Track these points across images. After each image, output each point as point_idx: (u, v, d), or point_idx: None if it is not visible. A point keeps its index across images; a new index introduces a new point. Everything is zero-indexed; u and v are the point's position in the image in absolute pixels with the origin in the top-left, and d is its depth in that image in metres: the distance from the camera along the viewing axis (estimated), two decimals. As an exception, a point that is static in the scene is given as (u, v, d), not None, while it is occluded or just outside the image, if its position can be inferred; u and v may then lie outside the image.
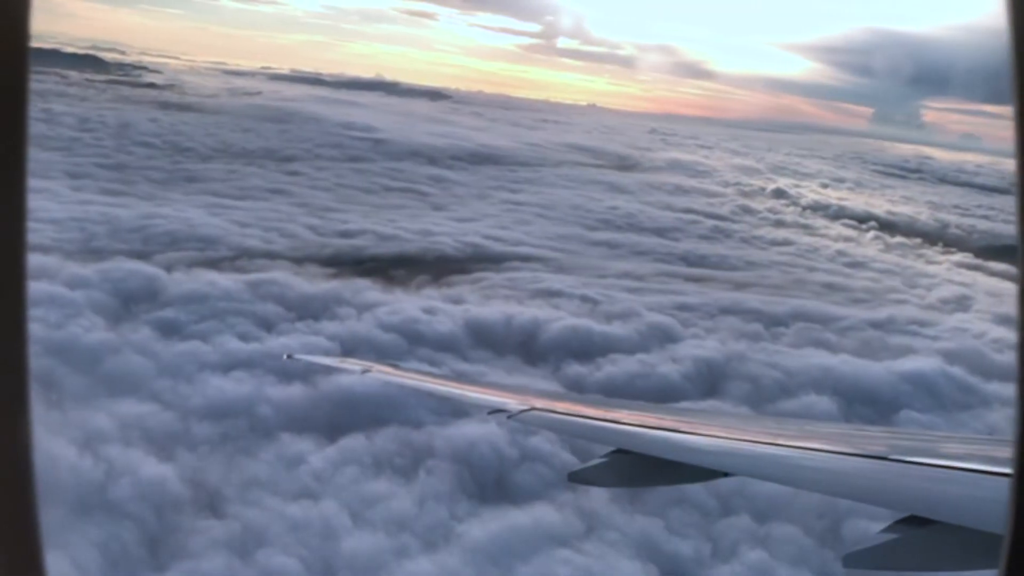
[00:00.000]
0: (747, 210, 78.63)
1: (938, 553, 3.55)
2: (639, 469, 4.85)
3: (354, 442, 22.83)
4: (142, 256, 41.04)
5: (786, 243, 66.00)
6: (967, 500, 3.71)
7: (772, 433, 5.24)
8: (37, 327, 27.80)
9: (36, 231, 42.86)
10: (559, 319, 35.16)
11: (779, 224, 74.47)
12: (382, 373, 8.45)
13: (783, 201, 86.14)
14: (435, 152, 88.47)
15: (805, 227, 74.66)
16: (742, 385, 30.61)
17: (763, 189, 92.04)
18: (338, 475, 21.10)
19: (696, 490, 21.67)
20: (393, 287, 39.69)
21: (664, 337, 34.98)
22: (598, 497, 21.10)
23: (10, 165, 1.83)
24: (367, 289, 37.50)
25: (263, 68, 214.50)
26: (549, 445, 23.43)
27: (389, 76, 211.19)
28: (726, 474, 4.72)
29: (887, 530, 3.63)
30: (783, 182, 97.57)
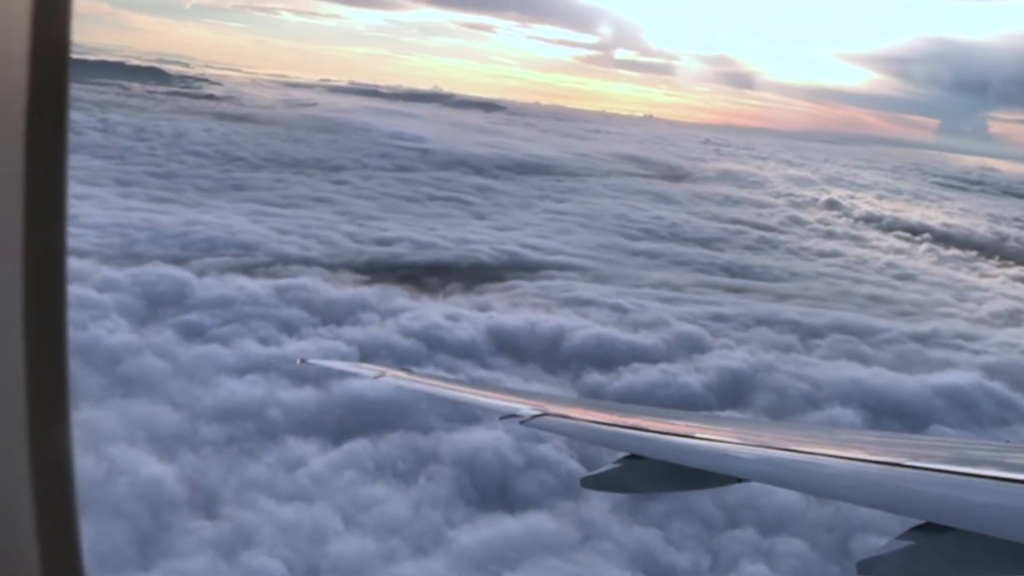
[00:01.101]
0: (797, 221, 77.31)
1: (956, 561, 3.47)
2: (652, 475, 4.80)
3: (358, 446, 22.72)
4: (179, 261, 41.56)
5: (834, 255, 64.72)
6: (986, 507, 3.63)
7: (787, 439, 5.12)
8: (62, 328, 28.26)
9: (78, 236, 43.78)
10: (584, 327, 34.76)
11: (829, 235, 73.10)
12: (395, 378, 8.36)
13: (835, 212, 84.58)
14: (482, 162, 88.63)
15: (856, 239, 73.17)
16: (767, 396, 29.96)
17: (815, 200, 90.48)
18: (337, 479, 20.99)
19: (703, 501, 21.18)
20: (422, 294, 39.69)
21: (692, 347, 34.38)
22: (599, 506, 20.72)
23: (51, 173, 1.87)
24: (394, 295, 37.51)
25: (322, 80, 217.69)
26: (556, 452, 23.09)
27: (447, 88, 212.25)
28: (740, 480, 4.61)
29: (903, 537, 3.54)
30: (837, 193, 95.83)
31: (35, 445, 1.86)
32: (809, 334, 39.16)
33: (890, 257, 65.84)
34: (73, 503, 1.96)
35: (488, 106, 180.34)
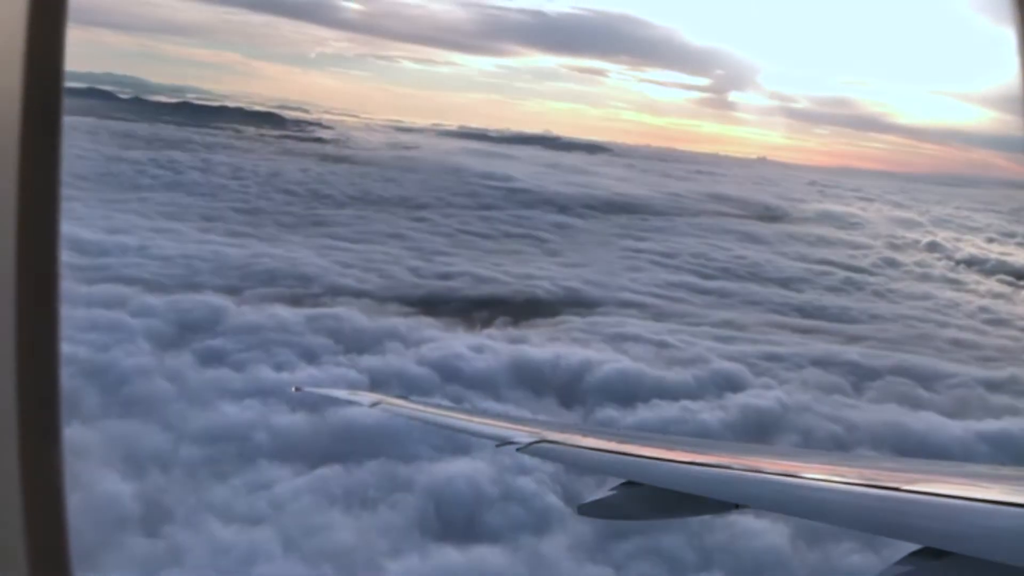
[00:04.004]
0: (891, 263, 73.89)
1: None
2: (649, 501, 4.84)
3: (330, 472, 22.33)
4: (232, 291, 42.30)
5: (924, 297, 61.39)
6: (984, 532, 3.62)
7: (785, 464, 5.12)
8: (83, 349, 28.97)
9: (139, 265, 45.28)
10: (612, 362, 33.67)
11: (923, 278, 69.52)
12: (392, 406, 8.35)
13: (936, 255, 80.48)
14: (568, 201, 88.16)
15: (952, 282, 69.32)
16: (789, 436, 28.30)
17: (917, 242, 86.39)
18: (295, 503, 20.59)
19: (677, 541, 19.95)
20: (461, 326, 39.30)
21: (725, 385, 32.89)
22: (560, 542, 19.74)
23: (45, 185, 1.92)
24: (428, 327, 37.25)
25: (433, 125, 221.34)
26: (535, 485, 22.20)
27: (557, 131, 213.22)
28: (737, 506, 4.66)
29: (901, 563, 3.58)
30: (942, 235, 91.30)
31: (25, 452, 1.93)
32: (866, 376, 37.01)
33: (986, 301, 61.99)
34: (62, 510, 2.06)
35: (593, 148, 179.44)
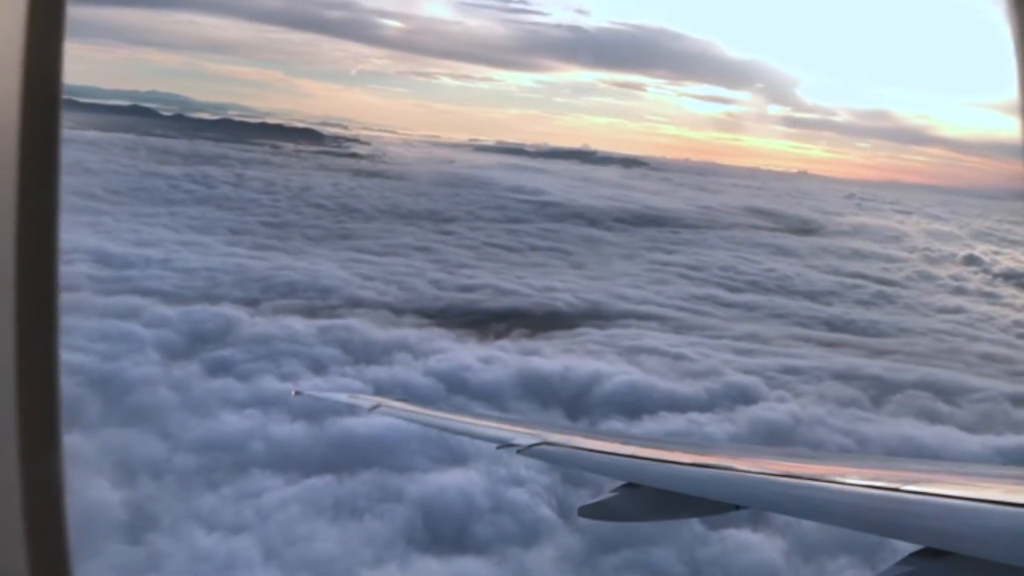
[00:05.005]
0: (926, 276, 72.54)
1: None
2: (650, 503, 4.84)
3: (321, 482, 22.16)
4: (250, 303, 42.45)
5: (957, 311, 60.02)
6: (985, 532, 3.61)
7: (786, 465, 5.12)
8: (91, 359, 29.17)
9: (161, 278, 45.65)
10: (623, 374, 33.23)
11: (958, 292, 68.08)
12: (391, 408, 8.36)
13: (973, 268, 78.87)
14: (599, 214, 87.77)
15: (988, 295, 67.81)
16: (798, 450, 27.57)
17: (954, 255, 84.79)
18: (281, 513, 20.44)
19: (666, 554, 19.49)
20: (475, 338, 39.05)
21: (738, 398, 32.32)
22: (545, 555, 19.40)
23: (44, 191, 1.94)
24: (440, 338, 37.09)
25: (470, 140, 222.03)
26: (528, 496, 21.86)
27: (595, 146, 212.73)
28: (738, 507, 4.68)
29: (902, 563, 3.58)
30: (981, 249, 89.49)
31: (25, 458, 1.91)
32: (887, 390, 36.17)
33: (1022, 316, 60.61)
34: (62, 516, 2.02)
35: (629, 162, 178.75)
